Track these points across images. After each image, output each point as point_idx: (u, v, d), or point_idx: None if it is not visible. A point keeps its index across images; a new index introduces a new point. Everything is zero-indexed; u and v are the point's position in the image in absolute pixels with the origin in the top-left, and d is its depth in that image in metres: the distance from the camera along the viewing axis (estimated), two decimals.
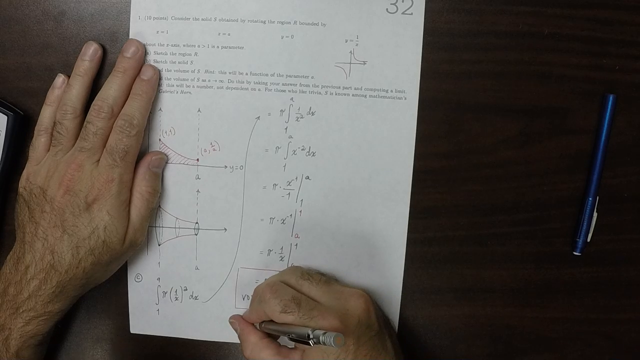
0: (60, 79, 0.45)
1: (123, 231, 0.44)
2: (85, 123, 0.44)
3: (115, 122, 0.44)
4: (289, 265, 0.48)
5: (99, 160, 0.43)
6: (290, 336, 0.40)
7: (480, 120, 0.47)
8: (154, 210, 0.47)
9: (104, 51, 0.46)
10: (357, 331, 0.41)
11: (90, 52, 0.45)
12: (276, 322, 0.42)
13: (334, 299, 0.43)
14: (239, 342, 0.49)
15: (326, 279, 0.45)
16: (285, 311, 0.41)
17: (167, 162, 0.47)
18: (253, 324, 0.45)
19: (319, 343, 0.36)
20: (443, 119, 0.47)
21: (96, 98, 0.44)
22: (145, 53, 0.46)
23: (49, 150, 0.45)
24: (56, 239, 0.42)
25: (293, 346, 0.44)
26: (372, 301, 0.44)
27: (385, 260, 0.48)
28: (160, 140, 0.47)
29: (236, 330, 0.46)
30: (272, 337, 0.45)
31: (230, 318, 0.47)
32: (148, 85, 0.45)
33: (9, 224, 0.49)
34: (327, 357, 0.41)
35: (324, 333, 0.36)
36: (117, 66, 0.44)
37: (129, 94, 0.44)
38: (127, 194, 0.44)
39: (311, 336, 0.37)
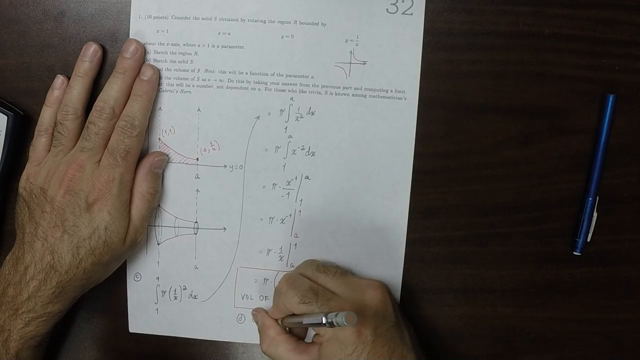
0: (59, 79, 0.45)
1: (124, 231, 0.44)
2: (87, 123, 0.44)
3: (117, 123, 0.44)
4: (289, 265, 0.48)
5: (100, 160, 0.43)
6: (305, 322, 0.40)
7: (480, 120, 0.47)
8: (154, 209, 0.47)
9: (104, 51, 0.46)
10: (374, 322, 0.41)
11: (90, 53, 0.45)
12: (295, 315, 0.43)
13: (350, 290, 0.43)
14: (238, 341, 0.50)
15: (342, 271, 0.45)
16: (304, 302, 0.41)
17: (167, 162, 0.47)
18: (275, 320, 0.46)
19: (333, 325, 0.36)
20: (443, 119, 0.47)
21: (98, 99, 0.44)
22: (145, 52, 0.46)
23: (49, 150, 0.45)
24: (56, 239, 0.42)
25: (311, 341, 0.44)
26: (390, 292, 0.44)
27: (385, 260, 0.48)
28: (160, 139, 0.47)
29: (257, 323, 0.47)
30: (293, 333, 0.45)
31: (253, 310, 0.48)
32: (148, 85, 0.45)
33: (9, 224, 0.49)
34: (345, 349, 0.41)
35: (337, 314, 0.36)
36: (117, 67, 0.44)
37: (130, 94, 0.45)
38: (128, 194, 0.44)
39: (325, 319, 0.37)
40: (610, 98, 0.46)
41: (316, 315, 0.39)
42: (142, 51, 0.45)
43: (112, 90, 0.44)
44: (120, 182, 0.43)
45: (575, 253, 0.48)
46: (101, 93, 0.44)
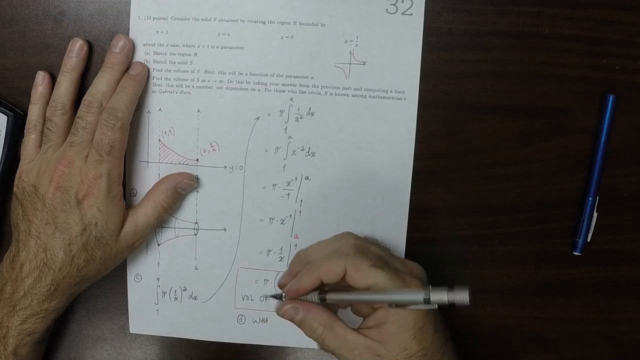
0: (40, 76, 0.45)
1: (115, 227, 0.43)
2: (75, 118, 0.44)
3: (101, 115, 0.43)
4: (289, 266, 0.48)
5: (88, 155, 0.43)
6: (383, 298, 0.38)
7: (480, 120, 0.47)
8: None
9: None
10: None
11: (76, 49, 0.45)
12: (343, 292, 0.40)
13: (401, 264, 0.42)
14: (238, 342, 0.49)
15: (384, 246, 0.44)
16: (376, 265, 0.39)
17: (167, 163, 0.47)
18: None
19: (434, 303, 0.35)
20: (443, 119, 0.47)
21: (86, 94, 0.44)
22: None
23: (39, 147, 0.45)
24: (48, 236, 0.42)
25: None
26: None
27: None
28: (159, 140, 0.47)
29: (295, 316, 0.41)
30: None
31: (283, 305, 0.41)
32: (135, 80, 0.45)
33: (8, 225, 0.49)
34: (413, 326, 0.39)
35: (449, 290, 0.35)
36: (106, 62, 0.45)
37: None
38: (118, 190, 0.44)
39: (427, 296, 0.36)
40: (610, 98, 0.46)
41: (412, 291, 0.37)
42: (131, 46, 0.45)
43: (100, 84, 0.44)
44: (108, 178, 0.43)
45: (575, 253, 0.48)
46: (90, 88, 0.44)
